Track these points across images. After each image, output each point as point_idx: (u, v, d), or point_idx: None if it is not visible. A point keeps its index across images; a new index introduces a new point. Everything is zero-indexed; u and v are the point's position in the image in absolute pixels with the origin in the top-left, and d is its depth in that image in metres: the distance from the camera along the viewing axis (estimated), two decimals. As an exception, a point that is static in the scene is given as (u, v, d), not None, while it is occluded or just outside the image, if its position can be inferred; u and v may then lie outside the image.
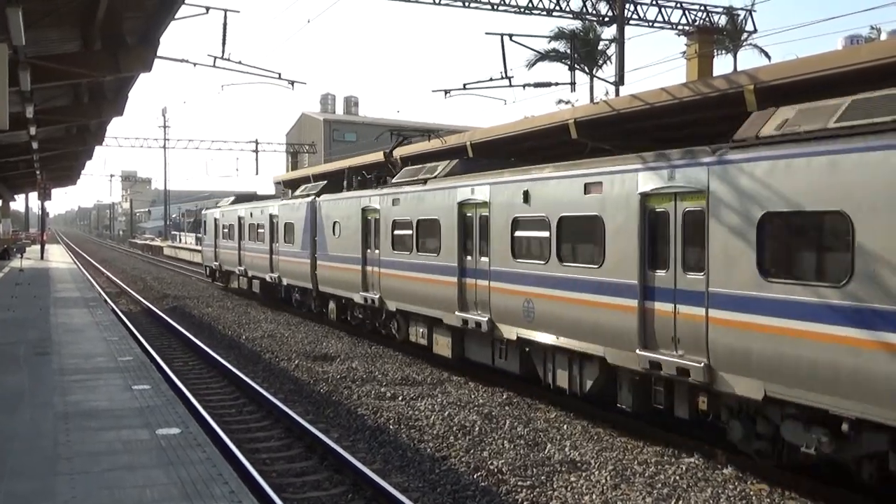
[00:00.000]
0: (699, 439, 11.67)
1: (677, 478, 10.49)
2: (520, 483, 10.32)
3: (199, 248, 71.52)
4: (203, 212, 43.81)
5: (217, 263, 38.63)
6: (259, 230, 31.33)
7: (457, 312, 16.65)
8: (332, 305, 24.40)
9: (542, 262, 13.99)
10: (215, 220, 38.80)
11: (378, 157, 31.37)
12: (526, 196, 14.56)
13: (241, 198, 39.03)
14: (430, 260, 17.91)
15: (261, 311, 30.12)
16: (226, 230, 36.81)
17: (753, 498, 9.79)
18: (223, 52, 21.93)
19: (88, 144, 37.43)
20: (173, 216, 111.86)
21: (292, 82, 24.69)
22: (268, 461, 11.62)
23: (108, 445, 8.93)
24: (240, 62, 22.25)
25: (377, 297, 20.36)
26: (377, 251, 20.52)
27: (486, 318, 15.60)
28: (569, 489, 10.10)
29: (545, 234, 13.97)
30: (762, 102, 14.42)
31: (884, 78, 12.97)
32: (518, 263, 14.70)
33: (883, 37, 40.55)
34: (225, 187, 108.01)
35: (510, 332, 14.96)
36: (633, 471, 10.77)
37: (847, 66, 13.22)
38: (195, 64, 22.53)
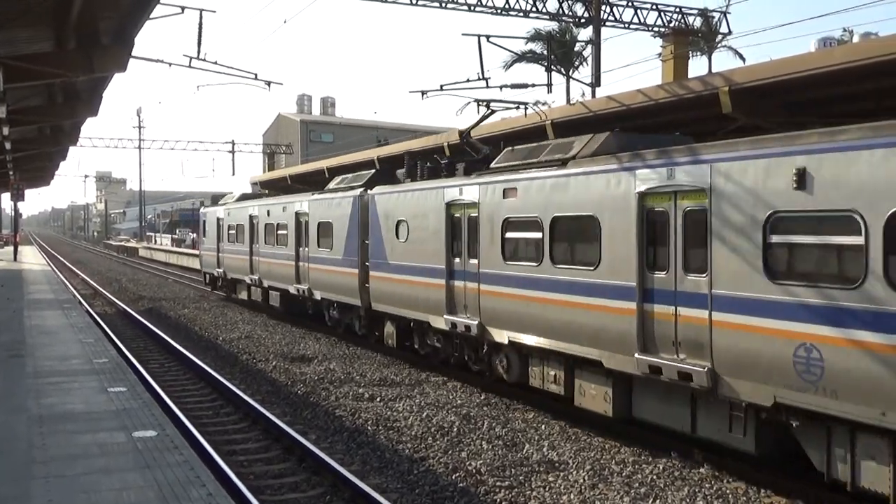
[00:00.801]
0: (676, 439, 11.75)
1: (654, 477, 10.57)
2: (498, 483, 10.34)
3: (178, 249, 71.05)
4: (202, 210, 37.59)
5: (220, 270, 33.42)
6: (280, 232, 26.39)
7: (638, 355, 11.36)
8: (389, 328, 19.44)
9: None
10: (218, 219, 33.76)
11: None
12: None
13: (249, 194, 35.47)
14: (579, 275, 12.71)
15: (238, 312, 29.96)
16: (232, 231, 31.90)
17: (730, 496, 9.88)
18: (199, 52, 21.78)
19: (62, 145, 37.08)
20: (148, 217, 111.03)
21: (269, 83, 24.56)
22: (245, 463, 11.57)
23: (84, 448, 8.86)
24: (216, 62, 22.08)
25: (475, 323, 15.33)
26: (473, 260, 15.60)
27: (705, 367, 10.31)
28: (547, 489, 10.14)
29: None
30: (737, 104, 14.58)
31: (857, 80, 13.17)
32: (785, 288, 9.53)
33: (855, 39, 41.12)
34: (201, 188, 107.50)
35: (757, 392, 9.77)
36: (611, 470, 10.84)
37: (820, 67, 13.38)
38: (170, 64, 22.35)
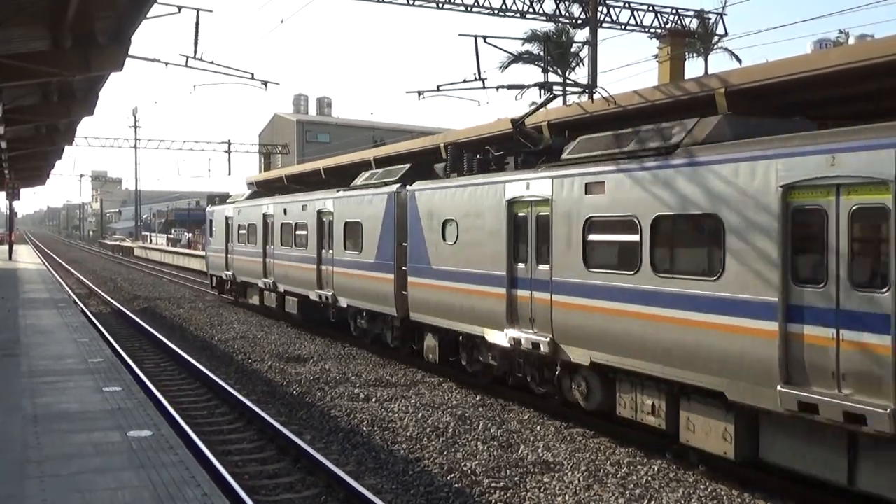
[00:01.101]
0: (670, 440, 11.76)
1: (649, 478, 10.58)
2: (493, 484, 10.35)
3: (173, 249, 70.93)
4: (209, 209, 35.62)
5: (229, 273, 31.17)
6: (299, 232, 24.24)
7: (781, 388, 9.32)
8: (430, 341, 17.27)
9: None
10: (227, 219, 31.58)
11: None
12: None
13: (260, 191, 33.17)
14: (692, 286, 10.65)
15: (233, 312, 29.92)
16: (243, 232, 29.62)
17: (724, 498, 9.89)
18: (195, 51, 21.74)
19: (58, 144, 36.97)
20: (144, 217, 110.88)
21: (265, 83, 24.53)
22: (240, 463, 11.56)
23: (79, 448, 8.84)
24: (212, 62, 22.04)
25: (545, 339, 13.15)
26: (543, 267, 13.40)
27: (887, 409, 8.30)
28: (542, 490, 10.15)
29: None
30: (733, 105, 14.60)
31: (852, 82, 13.18)
32: None
33: (851, 41, 41.17)
34: (197, 188, 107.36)
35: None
36: (606, 471, 10.85)
37: (816, 69, 13.40)
38: (167, 64, 22.31)
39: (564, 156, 13.70)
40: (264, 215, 27.30)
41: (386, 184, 19.40)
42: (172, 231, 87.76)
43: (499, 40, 26.16)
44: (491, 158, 16.26)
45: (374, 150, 32.04)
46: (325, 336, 23.17)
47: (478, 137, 22.64)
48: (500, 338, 14.50)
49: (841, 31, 44.28)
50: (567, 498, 9.85)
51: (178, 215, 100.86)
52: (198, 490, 7.57)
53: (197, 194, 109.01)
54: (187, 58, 21.93)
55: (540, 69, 41.14)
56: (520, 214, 14.18)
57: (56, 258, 70.83)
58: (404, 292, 17.81)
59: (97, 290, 39.11)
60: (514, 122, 16.67)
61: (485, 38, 23.39)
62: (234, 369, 18.68)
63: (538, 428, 13.14)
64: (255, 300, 28.87)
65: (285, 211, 25.46)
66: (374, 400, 15.17)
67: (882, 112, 12.91)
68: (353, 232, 20.61)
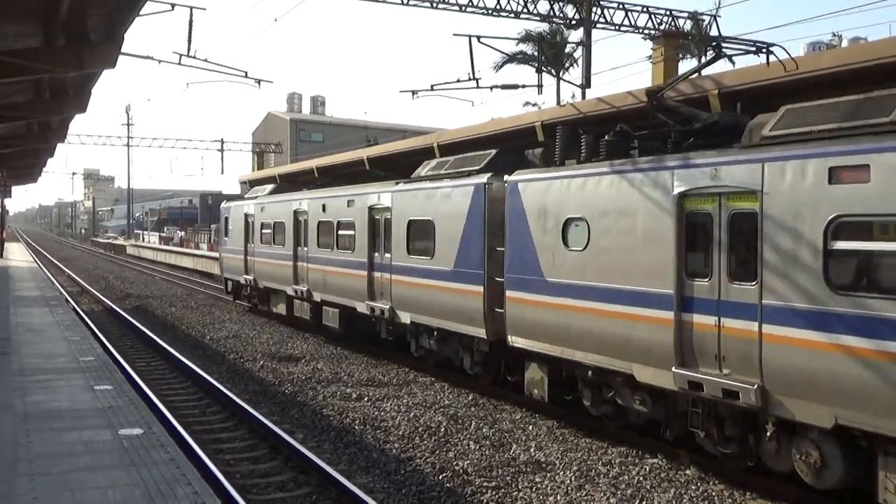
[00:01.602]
0: (663, 441, 11.77)
1: (641, 478, 10.59)
2: (485, 484, 10.35)
3: (166, 248, 70.69)
4: (224, 205, 32.10)
5: (249, 278, 27.65)
6: (343, 232, 20.73)
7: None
8: (535, 373, 13.83)
9: None
10: (247, 216, 28.20)
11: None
12: None
13: (284, 186, 29.00)
14: None
15: (225, 311, 29.86)
16: (267, 231, 26.15)
17: (716, 498, 9.91)
18: (189, 49, 21.72)
19: (50, 142, 36.86)
20: (136, 215, 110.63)
21: (258, 81, 24.54)
22: (232, 462, 11.54)
23: (70, 446, 8.81)
24: (205, 60, 22.04)
25: (751, 386, 9.60)
26: (744, 286, 9.94)
27: None
28: (534, 490, 10.15)
29: None
30: (726, 106, 14.62)
31: (844, 84, 13.21)
32: None
33: (844, 44, 41.32)
34: (190, 186, 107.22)
35: None
36: (598, 471, 10.86)
37: (809, 72, 13.43)
38: (160, 61, 22.31)
39: (767, 132, 10.24)
40: (296, 212, 23.77)
41: (467, 174, 15.93)
42: (165, 229, 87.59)
43: (493, 40, 26.22)
44: (627, 139, 12.84)
45: (368, 149, 32.01)
46: (317, 336, 23.13)
47: (468, 138, 22.64)
48: (662, 378, 10.93)
49: (834, 34, 44.48)
50: (559, 497, 9.86)
51: (170, 214, 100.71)
52: (188, 488, 7.55)
53: (190, 193, 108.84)
54: (180, 55, 21.90)
55: (534, 69, 41.18)
56: (697, 212, 10.68)
57: (48, 256, 70.59)
58: (499, 310, 14.31)
59: (89, 288, 38.99)
60: (650, 93, 13.72)
61: (479, 37, 23.43)
62: (226, 368, 18.64)
63: (530, 427, 13.15)
64: (280, 309, 25.34)
65: (324, 207, 21.86)
66: (366, 399, 15.16)
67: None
68: (420, 233, 17.06)
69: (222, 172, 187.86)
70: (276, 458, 11.78)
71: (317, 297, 22.16)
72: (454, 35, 22.79)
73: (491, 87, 25.36)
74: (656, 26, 27.68)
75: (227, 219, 30.93)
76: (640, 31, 27.75)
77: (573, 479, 10.52)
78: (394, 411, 14.12)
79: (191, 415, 14.32)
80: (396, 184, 18.36)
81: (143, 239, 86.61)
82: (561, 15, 28.03)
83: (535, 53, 40.73)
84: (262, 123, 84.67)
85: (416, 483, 10.44)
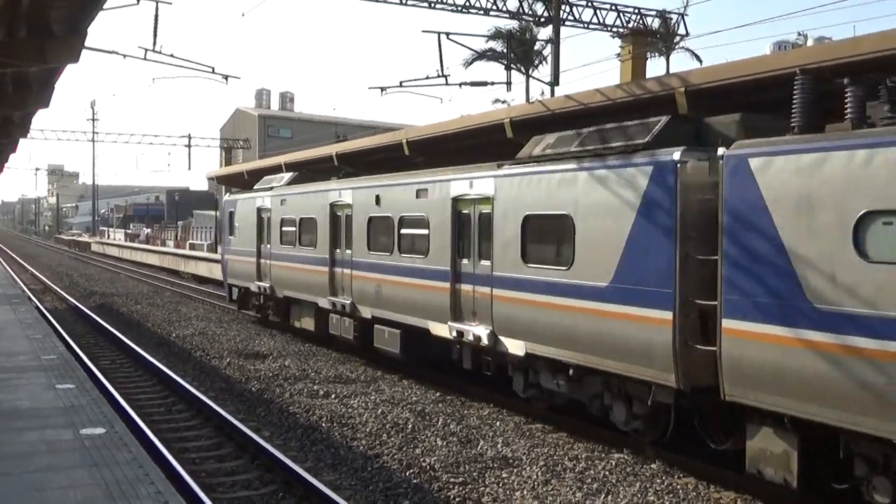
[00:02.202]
0: (629, 435, 11.86)
1: (607, 473, 10.66)
2: (452, 480, 10.35)
3: (131, 245, 69.91)
4: (228, 198, 28.06)
5: (264, 285, 23.26)
6: (408, 231, 16.52)
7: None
8: (775, 444, 9.53)
9: None
10: (260, 211, 23.98)
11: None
12: None
13: (305, 175, 23.75)
14: None
15: (192, 308, 29.61)
16: (289, 229, 22.03)
17: (680, 491, 10.00)
18: (154, 44, 21.52)
19: (13, 137, 36.20)
20: (102, 212, 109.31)
21: (226, 77, 24.42)
22: (197, 461, 11.43)
23: (31, 446, 8.69)
24: (172, 55, 21.85)
25: None
26: None
27: None
28: (500, 485, 10.17)
29: None
30: (692, 104, 14.75)
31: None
32: None
33: (809, 43, 41.88)
34: (156, 183, 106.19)
35: None
36: (564, 466, 10.91)
37: (773, 70, 13.59)
38: (125, 56, 22.09)
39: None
40: (332, 206, 19.53)
41: (629, 150, 11.38)
42: (131, 226, 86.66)
43: (462, 37, 26.21)
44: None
45: (337, 145, 31.88)
46: (284, 332, 23.00)
47: (436, 135, 22.61)
48: None
49: (800, 34, 45.07)
50: (525, 493, 9.89)
51: (136, 210, 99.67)
52: (151, 488, 7.48)
53: (156, 189, 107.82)
54: (146, 50, 21.69)
55: (503, 67, 41.26)
56: None
57: (10, 253, 69.51)
58: (703, 346, 10.09)
59: (52, 285, 38.45)
60: None
61: (448, 34, 23.46)
62: (192, 366, 18.47)
63: (498, 423, 13.18)
64: (305, 324, 21.24)
65: (378, 199, 17.51)
66: (333, 396, 15.10)
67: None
68: (544, 233, 12.94)
69: (189, 168, 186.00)
70: (243, 456, 11.69)
71: (365, 312, 17.81)
72: (423, 32, 22.84)
73: (460, 84, 25.44)
74: (624, 24, 27.82)
75: (232, 214, 26.54)
76: (609, 29, 27.88)
77: (540, 474, 10.56)
78: (361, 408, 14.08)
79: (156, 413, 14.17)
80: (499, 166, 13.91)
81: (109, 236, 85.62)
82: (530, 12, 28.09)
83: (505, 51, 40.77)
84: (231, 119, 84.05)
85: (383, 480, 10.42)
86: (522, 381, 13.56)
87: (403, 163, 22.95)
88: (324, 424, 13.11)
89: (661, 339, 10.45)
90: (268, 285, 23.04)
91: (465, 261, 14.74)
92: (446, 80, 23.60)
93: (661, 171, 10.66)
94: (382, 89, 25.72)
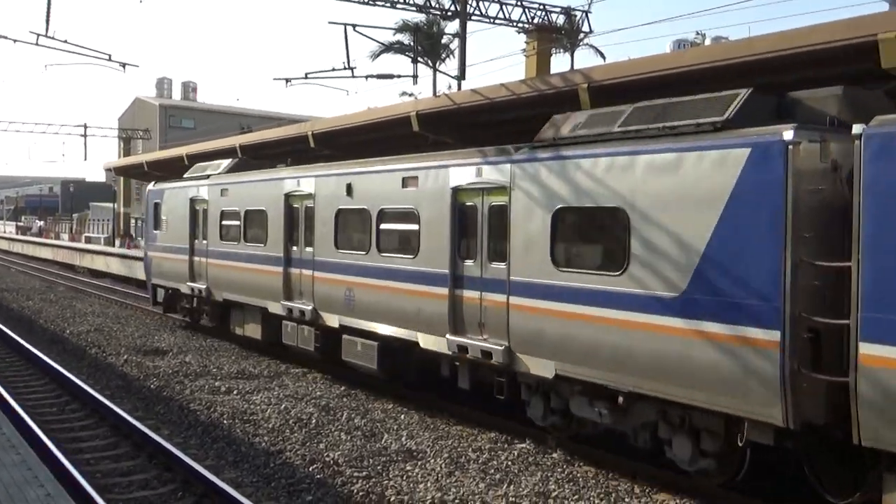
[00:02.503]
0: (532, 425, 12.02)
1: (509, 463, 10.79)
2: (355, 474, 10.29)
3: (23, 238, 66.95)
4: (153, 188, 24.40)
5: (199, 286, 20.54)
6: (389, 227, 14.10)
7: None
8: None
9: None
10: (194, 202, 21.19)
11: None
12: None
13: (249, 162, 21.57)
14: None
15: (88, 303, 28.60)
16: (234, 223, 19.11)
17: (580, 479, 10.20)
18: (47, 29, 20.67)
19: None
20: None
21: (123, 65, 23.67)
22: (92, 461, 11.03)
23: None
24: (66, 41, 21.05)
25: None
26: None
27: None
28: (404, 478, 10.17)
29: None
30: (595, 100, 15.04)
31: (706, 81, 13.80)
32: None
33: (707, 42, 43.27)
34: (50, 173, 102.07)
35: None
36: (468, 458, 10.98)
37: (672, 68, 13.97)
38: (15, 41, 21.16)
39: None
40: (288, 197, 16.94)
41: (698, 130, 9.38)
42: (22, 218, 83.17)
43: (369, 29, 26.08)
44: None
45: (241, 136, 31.30)
46: (185, 328, 22.44)
47: (342, 127, 22.46)
48: None
49: (698, 33, 46.51)
50: (429, 485, 9.91)
51: (28, 202, 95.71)
52: (41, 490, 7.19)
53: (50, 180, 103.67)
54: (38, 35, 20.82)
55: (410, 60, 41.20)
56: None
57: None
58: (827, 377, 8.11)
59: (-63, 280, 36.56)
60: None
61: (354, 26, 23.28)
62: (88, 364, 17.83)
63: (402, 417, 13.17)
64: (251, 331, 18.67)
65: (349, 189, 14.88)
66: (235, 392, 14.82)
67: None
68: (578, 231, 10.96)
69: (86, 159, 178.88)
70: (140, 455, 11.34)
71: (331, 320, 15.32)
72: (330, 23, 22.57)
73: (366, 77, 25.37)
74: (530, 20, 28.14)
75: (158, 206, 23.49)
76: (515, 24, 28.14)
77: (444, 465, 10.60)
78: (264, 404, 13.86)
79: (48, 413, 13.61)
80: (516, 150, 11.81)
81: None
82: (437, 6, 28.12)
83: (412, 44, 40.74)
84: (130, 109, 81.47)
85: (286, 476, 10.28)
86: (542, 406, 11.39)
87: (311, 155, 22.70)
88: (225, 421, 12.84)
89: (762, 365, 8.41)
90: (203, 287, 20.40)
91: (469, 262, 12.30)
92: (352, 72, 23.43)
93: (763, 154, 8.51)
94: (287, 80, 25.34)
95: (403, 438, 11.85)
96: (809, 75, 11.52)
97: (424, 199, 13.20)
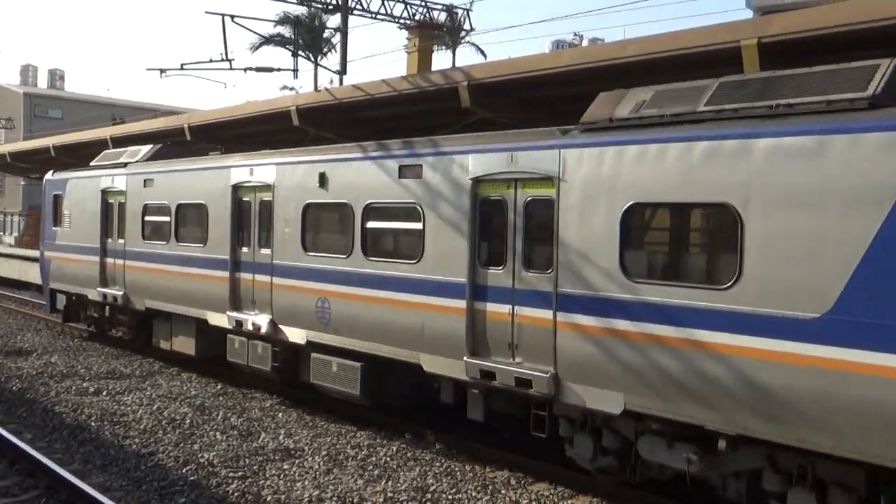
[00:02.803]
0: (411, 421, 12.05)
1: (388, 459, 10.80)
2: (231, 474, 10.07)
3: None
4: (53, 177, 21.48)
5: (114, 293, 17.80)
6: (377, 226, 12.07)
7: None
8: None
9: None
10: (106, 194, 18.58)
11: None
12: None
13: (173, 148, 19.20)
14: None
15: (-56, 302, 26.93)
16: (159, 219, 16.66)
17: (458, 473, 10.30)
18: None
19: None
20: None
21: (-18, 49, 22.29)
22: (-57, 470, 10.39)
23: None
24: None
25: None
26: None
27: None
28: (281, 477, 10.02)
29: None
30: (475, 97, 15.19)
31: (581, 81, 14.16)
32: None
33: (584, 43, 44.51)
34: None
35: None
36: (347, 455, 10.93)
37: (550, 68, 14.26)
38: None
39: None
40: (238, 189, 14.57)
41: (831, 109, 7.69)
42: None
43: (249, 21, 25.57)
44: None
45: (112, 128, 30.09)
46: (52, 328, 21.42)
47: (221, 120, 21.92)
48: None
49: (576, 34, 47.78)
50: (306, 483, 9.80)
51: None
52: None
53: None
54: None
55: (291, 53, 40.64)
56: None
57: None
58: None
59: None
60: None
61: (233, 17, 22.76)
62: (-58, 365, 16.80)
63: (280, 415, 12.98)
64: (181, 345, 16.17)
65: (323, 179, 12.74)
66: (104, 393, 14.24)
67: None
68: (661, 233, 9.19)
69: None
70: (0, 462, 10.76)
71: (295, 336, 13.11)
72: (207, 13, 21.99)
73: (245, 69, 24.70)
74: (411, 17, 28.22)
75: (59, 198, 20.60)
76: (396, 20, 28.16)
77: (322, 463, 10.51)
78: (135, 404, 13.39)
79: None
80: (564, 132, 9.72)
81: None
82: (318, -1, 27.82)
83: (293, 37, 40.16)
84: (-9, 96, 77.17)
85: (158, 479, 9.95)
86: (591, 445, 9.42)
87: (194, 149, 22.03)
88: (93, 423, 12.33)
89: None
90: (119, 293, 17.60)
91: (495, 270, 10.23)
92: (231, 64, 22.91)
93: None
94: (162, 71, 24.58)
95: (281, 437, 11.68)
96: (680, 78, 11.99)
97: (431, 193, 11.07)
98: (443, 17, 31.55)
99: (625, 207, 8.77)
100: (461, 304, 10.43)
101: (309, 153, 13.55)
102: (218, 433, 11.84)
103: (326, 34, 43.53)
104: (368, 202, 11.95)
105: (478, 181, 10.46)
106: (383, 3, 28.47)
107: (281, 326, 13.34)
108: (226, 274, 14.49)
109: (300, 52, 36.93)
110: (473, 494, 9.59)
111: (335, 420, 12.75)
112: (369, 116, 19.10)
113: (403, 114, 17.86)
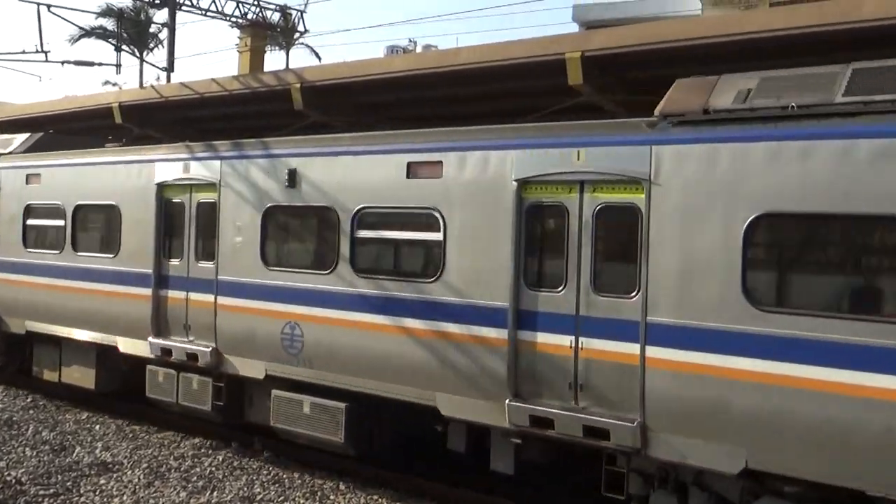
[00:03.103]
0: (238, 429, 11.73)
1: (213, 469, 10.50)
2: (41, 492, 9.49)
3: None
4: None
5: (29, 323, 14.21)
6: (367, 234, 9.98)
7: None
8: None
9: None
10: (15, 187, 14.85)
11: None
12: None
13: (56, 140, 16.01)
14: None
15: None
16: (45, 223, 14.13)
17: (286, 480, 10.14)
18: None
19: None
20: None
21: None
22: None
23: None
24: None
25: None
26: None
27: None
28: (98, 493, 9.54)
29: None
30: (308, 101, 15.03)
31: (414, 86, 14.32)
32: None
33: (419, 49, 45.14)
34: None
35: None
36: (169, 466, 10.54)
37: (384, 73, 14.32)
38: None
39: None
40: (164, 188, 12.29)
41: None
42: None
43: (68, 11, 24.20)
44: None
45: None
46: None
47: (37, 115, 20.65)
48: None
49: (410, 40, 48.40)
50: (125, 498, 9.36)
51: None
52: None
53: None
54: None
55: (114, 47, 38.77)
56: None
57: None
58: None
59: None
60: None
61: (49, 6, 21.45)
62: None
63: (97, 427, 12.33)
64: (76, 377, 13.44)
65: (292, 177, 10.67)
66: None
67: (453, 116, 14.18)
68: (807, 251, 7.52)
69: None
70: None
71: (248, 369, 10.88)
72: (20, 0, 20.64)
73: (62, 62, 23.46)
74: (243, 15, 27.63)
75: None
76: (227, 18, 27.49)
77: (142, 476, 10.08)
78: (-68, 421, 12.33)
79: None
80: (651, 125, 8.06)
81: None
82: (144, -8, 26.73)
83: (116, 30, 38.33)
84: None
85: (-46, 501, 9.21)
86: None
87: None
88: None
89: None
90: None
91: (549, 293, 8.39)
92: (46, 56, 21.61)
93: None
94: (-32, 60, 22.85)
95: (98, 450, 11.10)
96: (510, 86, 12.34)
97: (455, 196, 9.06)
98: (276, 17, 31.09)
99: (748, 221, 7.11)
100: (499, 333, 8.50)
101: (274, 145, 11.23)
102: (28, 448, 11.12)
103: (153, 29, 41.84)
104: (361, 207, 9.83)
105: (525, 183, 8.54)
106: (214, 0, 27.73)
107: (228, 357, 11.06)
108: (147, 291, 12.02)
109: (124, 47, 35.33)
110: (301, 502, 9.47)
111: (157, 430, 12.26)
112: (199, 116, 18.51)
113: (234, 114, 17.41)
